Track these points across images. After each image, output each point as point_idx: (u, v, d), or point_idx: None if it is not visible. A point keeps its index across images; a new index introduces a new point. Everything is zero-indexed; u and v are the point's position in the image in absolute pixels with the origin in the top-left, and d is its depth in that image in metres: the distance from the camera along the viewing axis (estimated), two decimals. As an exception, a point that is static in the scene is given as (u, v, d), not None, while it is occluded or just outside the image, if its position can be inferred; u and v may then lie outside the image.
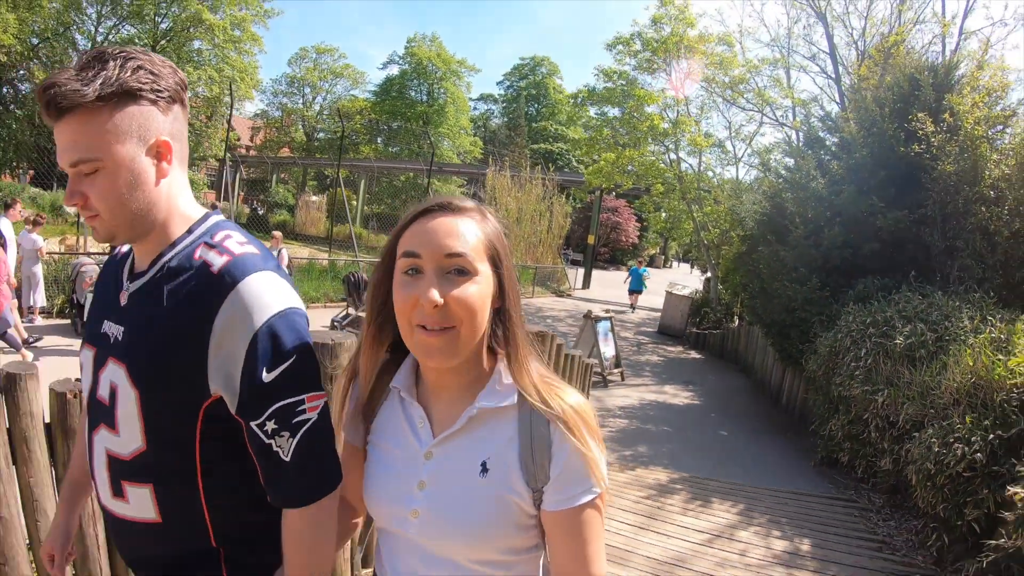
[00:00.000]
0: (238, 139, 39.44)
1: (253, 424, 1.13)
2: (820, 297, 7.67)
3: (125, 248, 1.32)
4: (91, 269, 8.90)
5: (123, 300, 1.23)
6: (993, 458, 4.24)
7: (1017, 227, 6.79)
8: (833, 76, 16.35)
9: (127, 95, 1.09)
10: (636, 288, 20.37)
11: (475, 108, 59.06)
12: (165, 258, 1.19)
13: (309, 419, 1.15)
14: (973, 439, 4.34)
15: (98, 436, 1.23)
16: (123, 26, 33.31)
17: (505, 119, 59.77)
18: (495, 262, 1.06)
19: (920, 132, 7.23)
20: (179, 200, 1.22)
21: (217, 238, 1.20)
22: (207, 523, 1.21)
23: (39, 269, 9.44)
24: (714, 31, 18.67)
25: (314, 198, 41.24)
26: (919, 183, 7.35)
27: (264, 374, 1.11)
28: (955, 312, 5.66)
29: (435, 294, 0.98)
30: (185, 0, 32.20)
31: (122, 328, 1.20)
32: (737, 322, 15.69)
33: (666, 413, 9.01)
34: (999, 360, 4.53)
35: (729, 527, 4.92)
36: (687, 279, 27.01)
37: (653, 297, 21.65)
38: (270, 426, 1.12)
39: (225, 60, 34.11)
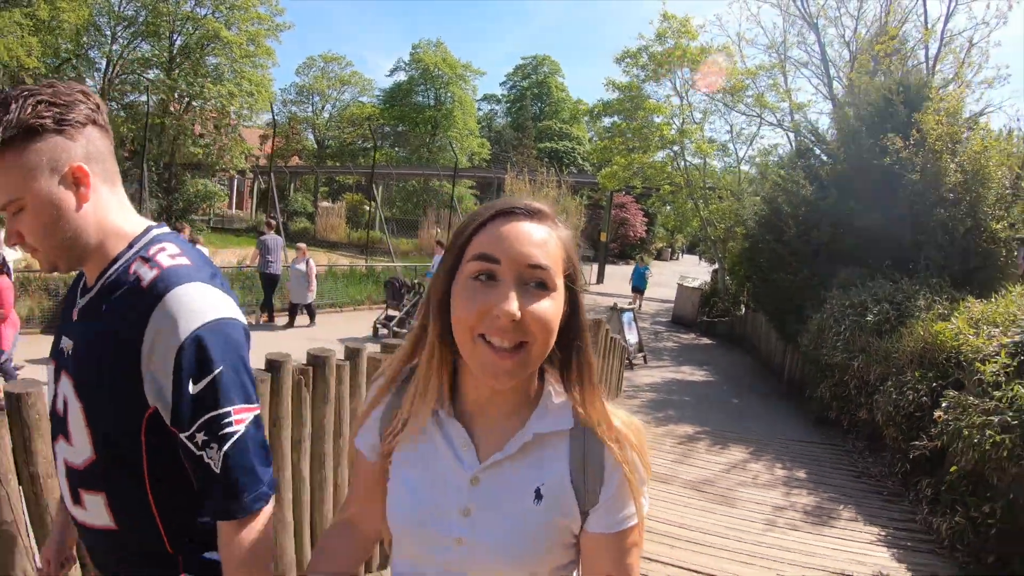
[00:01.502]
0: (251, 150, 40.05)
1: (183, 436, 1.13)
2: (810, 285, 9.31)
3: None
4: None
5: (75, 316, 1.27)
6: (936, 402, 5.82)
7: (970, 224, 8.37)
8: (825, 80, 17.85)
9: (30, 131, 1.11)
10: (638, 286, 20.54)
11: (479, 109, 59.02)
12: (107, 274, 1.21)
13: (236, 431, 1.15)
14: (920, 387, 5.92)
15: (58, 446, 1.26)
16: (139, 43, 33.57)
17: (509, 119, 60.27)
18: (570, 278, 1.00)
19: (891, 147, 8.79)
20: (110, 218, 1.23)
21: (152, 251, 1.21)
22: (160, 529, 1.23)
23: None
24: (715, 42, 20.02)
25: (325, 204, 41.90)
26: (892, 189, 8.90)
27: (191, 385, 1.12)
28: (914, 294, 7.23)
29: (515, 306, 0.91)
30: (202, 18, 32.66)
31: (72, 343, 1.23)
32: (744, 310, 17.26)
33: (686, 387, 10.63)
34: (940, 328, 6.11)
35: (743, 461, 6.53)
36: (695, 270, 28.57)
37: (665, 289, 23.19)
38: (199, 438, 1.13)
39: (242, 74, 34.39)
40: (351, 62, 55.57)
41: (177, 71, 32.83)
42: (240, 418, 1.15)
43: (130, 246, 1.23)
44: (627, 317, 11.93)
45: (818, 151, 11.17)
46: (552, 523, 1.01)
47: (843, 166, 9.49)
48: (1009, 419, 4.31)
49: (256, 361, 1.41)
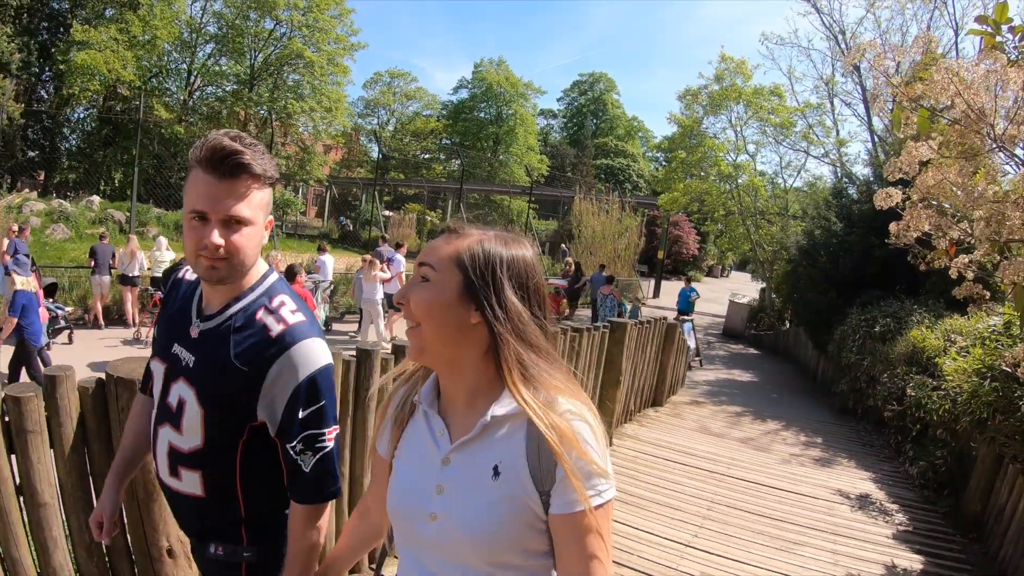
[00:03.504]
0: (327, 162, 41.03)
1: (287, 445, 1.50)
2: (838, 304, 11.63)
3: (191, 275, 1.67)
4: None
5: (194, 334, 1.56)
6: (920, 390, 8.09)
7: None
8: (866, 120, 19.99)
9: (272, 180, 1.49)
10: (684, 309, 18.42)
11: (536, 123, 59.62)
12: (232, 310, 1.53)
13: (326, 446, 1.53)
14: (907, 378, 8.19)
15: (163, 430, 1.58)
16: (220, 59, 35.81)
17: (566, 134, 62.08)
18: (469, 281, 1.14)
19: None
20: (257, 261, 1.58)
21: (274, 304, 1.54)
22: (240, 501, 1.59)
23: None
24: (767, 82, 22.44)
25: (387, 212, 43.13)
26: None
27: (301, 411, 1.48)
28: (911, 312, 9.48)
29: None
30: (287, 40, 35.01)
31: (194, 358, 1.54)
32: (787, 325, 19.56)
33: (735, 384, 12.99)
34: (917, 335, 8.39)
35: (776, 430, 8.89)
36: (744, 287, 30.72)
37: (716, 305, 25.48)
38: (298, 447, 1.49)
39: (321, 91, 36.51)
40: (416, 77, 57.76)
41: (258, 87, 35.25)
42: (331, 436, 1.53)
43: (252, 288, 1.55)
44: (687, 326, 14.29)
45: (851, 191, 13.46)
46: (513, 499, 1.10)
47: (869, 206, 11.77)
48: (951, 392, 6.60)
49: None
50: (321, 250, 13.74)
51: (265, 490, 1.59)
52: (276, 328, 1.48)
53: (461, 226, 1.20)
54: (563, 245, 34.61)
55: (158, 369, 1.62)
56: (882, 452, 8.54)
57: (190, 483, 1.56)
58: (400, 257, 13.04)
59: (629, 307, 15.84)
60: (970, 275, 3.33)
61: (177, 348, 1.57)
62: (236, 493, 1.57)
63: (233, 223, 1.41)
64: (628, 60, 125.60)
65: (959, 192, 3.27)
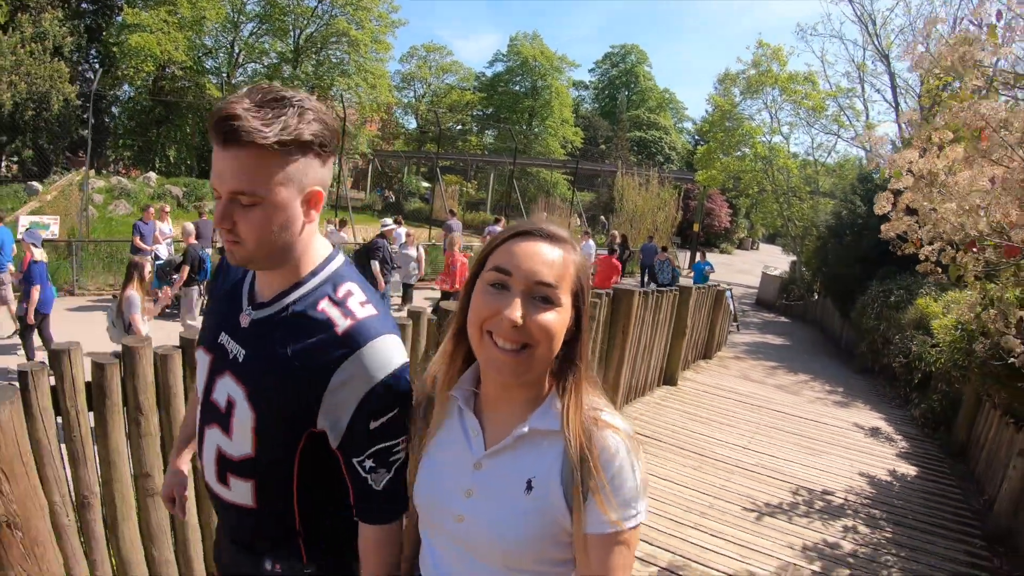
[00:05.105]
0: (373, 136, 41.62)
1: (354, 460, 1.30)
2: (860, 277, 13.46)
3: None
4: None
5: (244, 322, 1.36)
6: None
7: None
8: (894, 105, 21.42)
9: (300, 145, 1.18)
10: (698, 283, 18.57)
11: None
12: (289, 299, 1.32)
13: (400, 458, 1.32)
14: (914, 341, 10.01)
15: (210, 431, 1.41)
16: (264, 38, 36.68)
17: (597, 105, 62.17)
18: (577, 298, 1.12)
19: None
20: (312, 241, 1.33)
21: (340, 294, 1.32)
22: (295, 514, 1.39)
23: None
24: (800, 68, 23.98)
25: (425, 185, 44.61)
26: (921, 211, 12.87)
27: (372, 422, 1.27)
28: (921, 285, 11.24)
29: (518, 313, 1.04)
30: (331, 18, 36.02)
31: (244, 351, 1.34)
32: (816, 296, 21.25)
33: (769, 347, 14.91)
34: (922, 303, 10.17)
35: (804, 381, 10.80)
36: (774, 260, 32.37)
37: (748, 276, 27.31)
38: (368, 463, 1.30)
39: (364, 68, 37.59)
40: (451, 51, 58.06)
41: (302, 64, 36.29)
42: (403, 447, 1.32)
43: (314, 272, 1.34)
44: (728, 293, 16.11)
45: (876, 176, 15.13)
46: (540, 513, 1.10)
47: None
48: (943, 347, 8.41)
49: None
50: (397, 223, 13.48)
51: (326, 502, 1.43)
52: (343, 323, 1.28)
53: (556, 231, 1.14)
54: (602, 217, 36.26)
55: (203, 360, 1.46)
56: (893, 401, 10.36)
57: (240, 493, 1.40)
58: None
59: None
60: (933, 258, 4.77)
61: (224, 338, 1.40)
62: (292, 505, 1.40)
63: (241, 200, 1.20)
64: (658, 28, 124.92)
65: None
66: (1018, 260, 3.82)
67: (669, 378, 8.23)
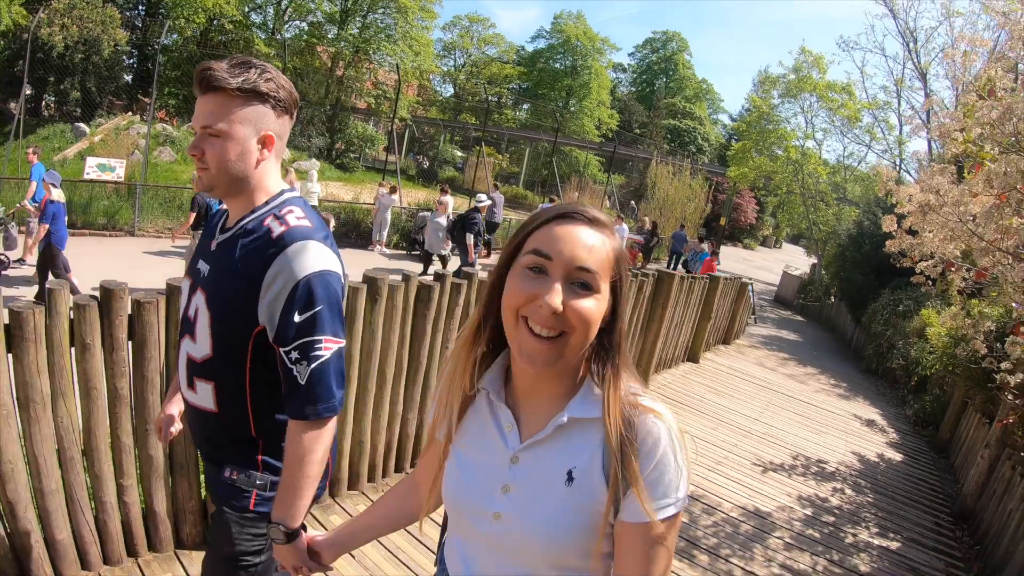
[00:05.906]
0: (414, 102, 41.03)
1: (282, 350, 1.47)
2: (874, 285, 14.46)
3: (225, 207, 1.68)
4: (427, 215, 13.18)
5: (213, 247, 1.61)
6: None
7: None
8: (926, 124, 22.07)
9: (256, 95, 1.48)
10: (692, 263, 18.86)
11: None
12: (244, 221, 1.56)
13: (322, 356, 1.47)
14: (915, 347, 11.03)
15: (184, 342, 1.63)
16: None
17: (634, 89, 61.71)
18: (615, 283, 1.07)
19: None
20: (267, 180, 1.58)
21: (283, 211, 1.54)
22: (250, 418, 1.59)
23: (389, 215, 14.67)
24: (840, 77, 24.68)
25: (460, 153, 44.76)
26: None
27: (296, 316, 1.44)
28: (928, 298, 12.22)
29: (558, 300, 0.99)
30: None
31: (208, 267, 1.59)
32: (832, 299, 22.12)
33: (783, 342, 15.93)
34: (925, 314, 11.17)
35: (812, 374, 11.84)
36: (795, 260, 33.24)
37: (768, 274, 28.27)
38: (294, 355, 1.46)
39: (411, 35, 36.80)
40: (494, 24, 57.39)
41: (348, 27, 35.75)
42: (327, 347, 1.49)
43: (267, 203, 1.58)
44: (750, 287, 17.14)
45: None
46: (582, 506, 1.05)
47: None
48: (936, 354, 9.43)
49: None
50: (443, 192, 14.07)
51: (276, 410, 1.60)
52: (277, 230, 1.49)
53: (597, 214, 1.08)
54: (632, 203, 36.93)
55: (185, 286, 1.70)
56: (892, 401, 11.38)
57: (204, 396, 1.61)
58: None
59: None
60: (927, 272, 5.40)
61: (200, 263, 1.64)
62: (247, 409, 1.59)
63: (209, 134, 1.48)
64: (698, 15, 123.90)
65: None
66: (986, 283, 4.85)
67: (693, 356, 9.33)
